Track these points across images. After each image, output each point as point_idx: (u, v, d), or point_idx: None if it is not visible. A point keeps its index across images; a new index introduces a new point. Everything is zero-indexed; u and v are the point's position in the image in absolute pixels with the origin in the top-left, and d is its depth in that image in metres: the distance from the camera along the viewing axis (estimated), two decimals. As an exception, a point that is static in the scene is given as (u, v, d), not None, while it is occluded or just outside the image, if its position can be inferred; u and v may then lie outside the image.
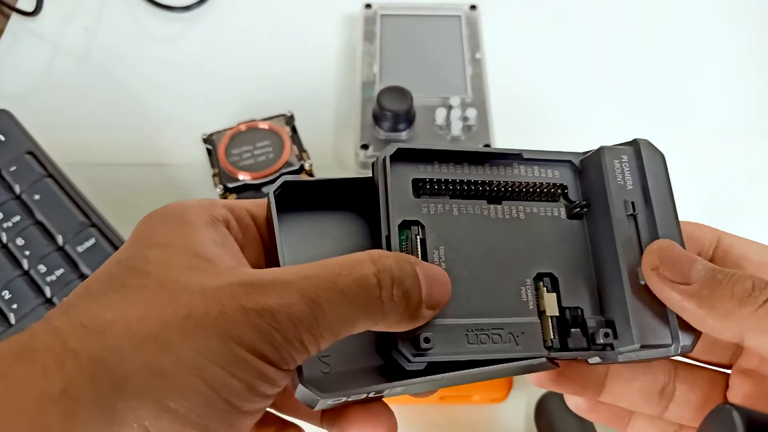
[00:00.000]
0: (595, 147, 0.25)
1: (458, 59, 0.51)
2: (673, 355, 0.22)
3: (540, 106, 0.51)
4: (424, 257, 0.23)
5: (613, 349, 0.23)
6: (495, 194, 0.25)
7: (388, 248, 0.22)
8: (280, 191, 0.23)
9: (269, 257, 0.24)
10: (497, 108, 0.49)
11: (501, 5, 0.55)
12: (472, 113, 0.47)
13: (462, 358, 0.22)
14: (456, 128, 0.47)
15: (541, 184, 0.25)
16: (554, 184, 0.25)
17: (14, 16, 0.55)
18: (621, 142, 0.25)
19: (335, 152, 0.48)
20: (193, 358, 0.17)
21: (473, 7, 0.54)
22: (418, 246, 0.23)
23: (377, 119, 0.46)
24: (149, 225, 0.21)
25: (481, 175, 0.24)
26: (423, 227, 0.23)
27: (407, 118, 0.46)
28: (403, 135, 0.46)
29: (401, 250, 0.23)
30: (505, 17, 0.55)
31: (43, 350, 0.17)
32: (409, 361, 0.21)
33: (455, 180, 0.24)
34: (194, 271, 0.19)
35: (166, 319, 0.17)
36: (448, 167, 0.24)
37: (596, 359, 0.23)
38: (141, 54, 0.53)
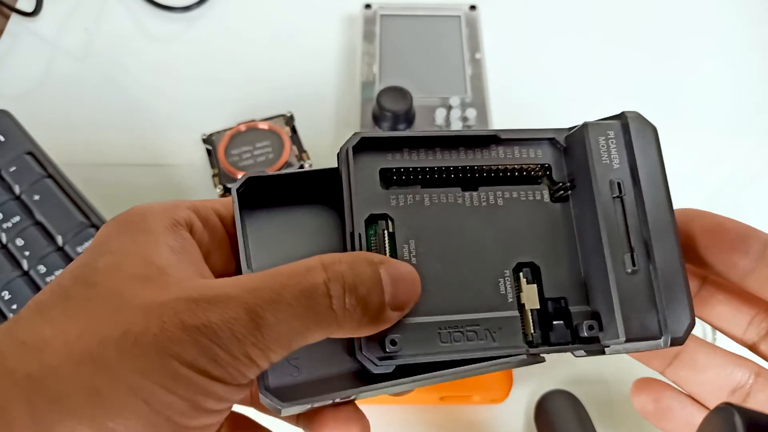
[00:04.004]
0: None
1: (458, 59, 0.51)
2: (663, 348, 0.21)
3: (540, 105, 0.51)
4: (393, 253, 0.22)
5: (599, 341, 0.21)
6: (470, 180, 0.23)
7: (353, 246, 0.21)
8: (245, 188, 0.22)
9: (239, 259, 0.23)
10: (497, 108, 0.49)
11: (501, 5, 0.55)
12: (471, 113, 0.47)
13: (432, 359, 0.21)
14: (456, 128, 0.47)
15: (521, 166, 0.23)
16: (536, 165, 0.23)
17: (14, 17, 0.54)
18: (608, 116, 0.23)
19: (335, 152, 0.48)
20: (130, 376, 0.17)
21: (473, 7, 0.54)
22: (386, 241, 0.22)
23: (377, 119, 0.46)
24: (107, 231, 0.20)
25: (455, 160, 0.23)
26: (393, 220, 0.22)
27: (407, 118, 0.46)
28: (403, 135, 0.46)
29: (369, 246, 0.22)
30: (505, 17, 0.55)
31: None
32: (376, 365, 0.20)
33: (425, 168, 0.23)
34: (142, 282, 0.18)
35: (105, 336, 0.17)
36: (419, 154, 0.23)
37: (582, 352, 0.22)
38: (141, 54, 0.53)
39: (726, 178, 0.48)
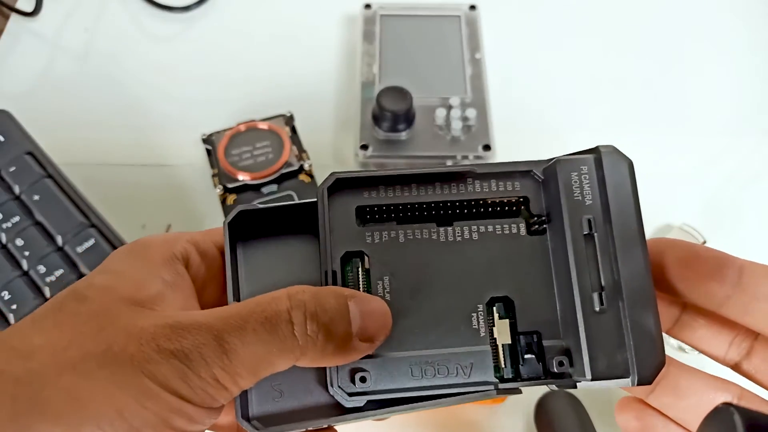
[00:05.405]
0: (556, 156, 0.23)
1: (458, 59, 0.51)
2: (632, 386, 0.21)
3: (540, 106, 0.51)
4: (368, 289, 0.22)
5: (570, 377, 0.22)
6: (445, 215, 0.23)
7: (326, 282, 0.22)
8: (236, 221, 0.23)
9: None
10: (497, 108, 0.49)
11: (501, 5, 0.55)
12: (471, 113, 0.47)
13: (402, 395, 0.21)
14: (456, 128, 0.47)
15: (494, 200, 0.23)
16: (513, 198, 0.23)
17: (14, 17, 0.55)
18: (581, 149, 0.23)
19: (335, 152, 0.48)
20: (108, 387, 0.18)
21: (473, 7, 0.54)
22: (361, 277, 0.22)
23: (377, 119, 0.46)
24: (113, 256, 0.22)
25: (430, 196, 0.23)
26: (368, 257, 0.23)
27: (407, 119, 0.46)
28: (403, 135, 0.46)
29: (346, 283, 0.22)
30: (505, 17, 0.55)
31: None
32: (347, 400, 0.21)
33: (400, 204, 0.23)
34: (130, 305, 0.20)
35: (89, 350, 0.19)
36: (395, 191, 0.23)
37: (554, 386, 0.22)
38: (140, 54, 0.53)
39: (726, 178, 0.48)
